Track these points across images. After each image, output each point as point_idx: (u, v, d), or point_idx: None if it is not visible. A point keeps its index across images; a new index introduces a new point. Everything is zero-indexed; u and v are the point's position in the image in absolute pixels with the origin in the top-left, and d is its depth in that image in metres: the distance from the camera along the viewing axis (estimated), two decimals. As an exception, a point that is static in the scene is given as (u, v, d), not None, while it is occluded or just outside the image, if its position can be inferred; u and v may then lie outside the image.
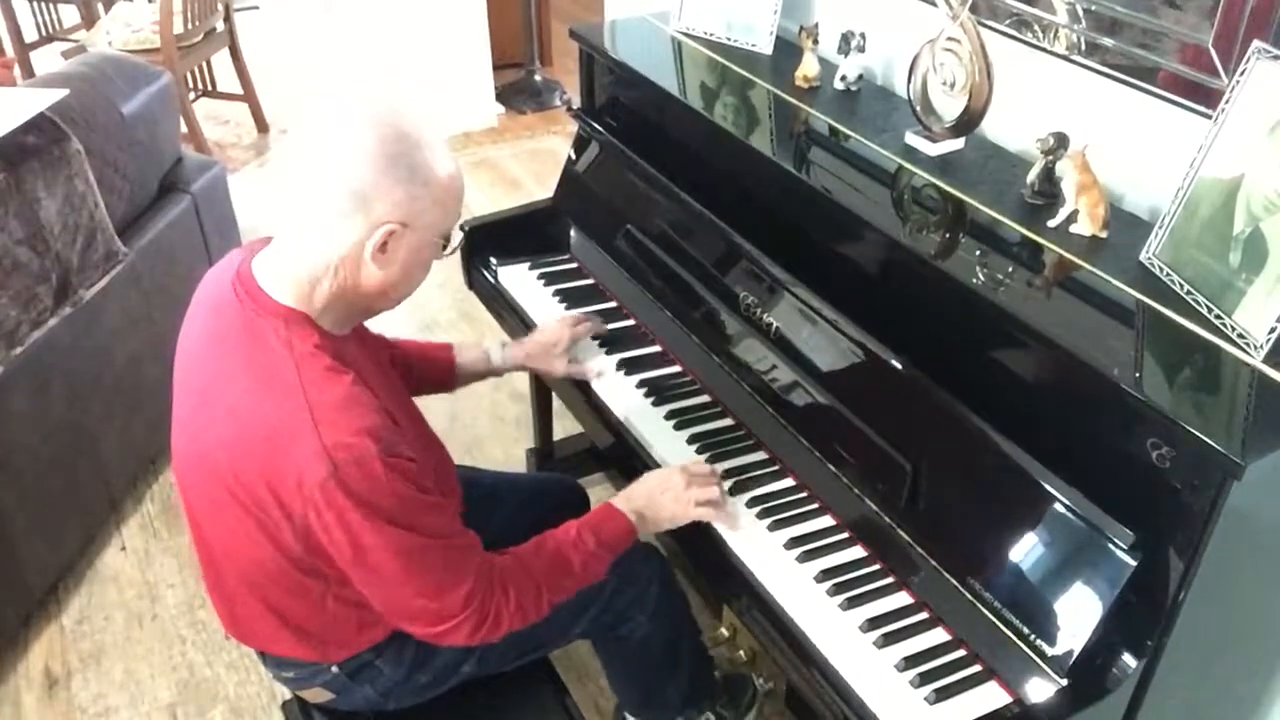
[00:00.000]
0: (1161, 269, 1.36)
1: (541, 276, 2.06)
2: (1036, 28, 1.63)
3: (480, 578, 1.29)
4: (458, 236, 1.31)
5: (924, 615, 1.36)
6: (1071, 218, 1.46)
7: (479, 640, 1.31)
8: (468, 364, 1.74)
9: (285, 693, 1.62)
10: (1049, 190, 1.52)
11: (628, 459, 1.69)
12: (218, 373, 1.26)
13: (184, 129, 3.66)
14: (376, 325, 1.45)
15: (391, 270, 1.24)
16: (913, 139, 1.70)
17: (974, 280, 1.38)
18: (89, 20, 4.29)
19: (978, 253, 1.47)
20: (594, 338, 1.86)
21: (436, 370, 1.72)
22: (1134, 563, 1.19)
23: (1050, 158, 1.50)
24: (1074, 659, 1.20)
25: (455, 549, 1.28)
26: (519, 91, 4.71)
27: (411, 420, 1.41)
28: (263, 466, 1.20)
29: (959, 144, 1.68)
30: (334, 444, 1.16)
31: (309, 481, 1.16)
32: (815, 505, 1.53)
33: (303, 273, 1.23)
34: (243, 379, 1.23)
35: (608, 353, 1.85)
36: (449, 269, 1.67)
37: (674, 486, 1.48)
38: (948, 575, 1.34)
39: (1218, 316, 1.26)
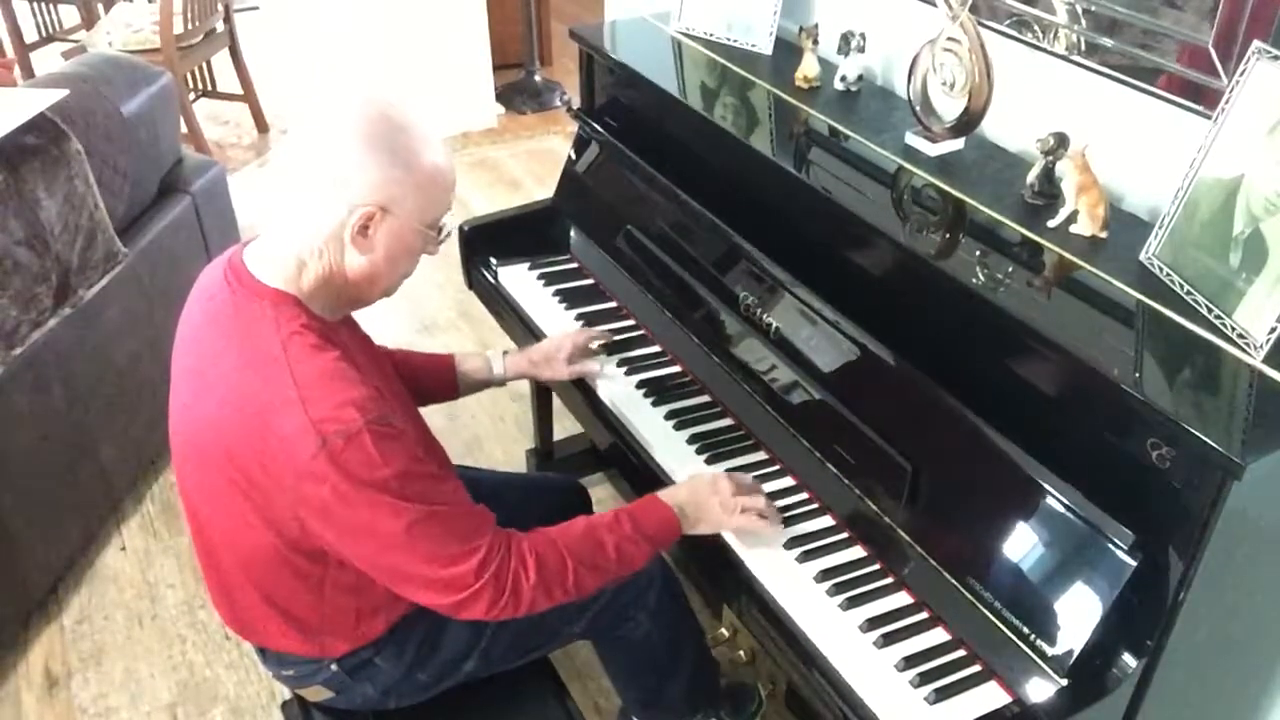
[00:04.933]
0: (1161, 269, 1.36)
1: (541, 277, 2.06)
2: (1036, 28, 1.63)
3: (496, 548, 1.27)
4: (449, 229, 1.32)
5: (924, 615, 1.36)
6: (1071, 218, 1.46)
7: (501, 614, 1.28)
8: (469, 373, 1.74)
9: (285, 692, 1.62)
10: (1049, 190, 1.52)
11: (628, 459, 1.69)
12: (210, 356, 1.27)
13: (184, 129, 3.66)
14: (377, 323, 1.45)
15: (374, 256, 1.25)
16: (913, 139, 1.70)
17: (974, 281, 1.38)
18: (89, 20, 4.29)
19: (978, 253, 1.47)
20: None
21: (438, 380, 1.72)
22: (1134, 563, 1.19)
23: (1050, 158, 1.50)
24: (1074, 659, 1.20)
25: (461, 518, 1.27)
26: (519, 92, 4.71)
27: (405, 409, 1.41)
28: (254, 444, 1.20)
29: (959, 144, 1.68)
30: (320, 418, 1.17)
31: (300, 457, 1.17)
32: (815, 505, 1.53)
33: (290, 256, 1.25)
34: (232, 360, 1.23)
35: (609, 353, 1.85)
36: (449, 269, 1.67)
37: (723, 491, 1.45)
38: (948, 575, 1.34)
39: (1218, 316, 1.26)
